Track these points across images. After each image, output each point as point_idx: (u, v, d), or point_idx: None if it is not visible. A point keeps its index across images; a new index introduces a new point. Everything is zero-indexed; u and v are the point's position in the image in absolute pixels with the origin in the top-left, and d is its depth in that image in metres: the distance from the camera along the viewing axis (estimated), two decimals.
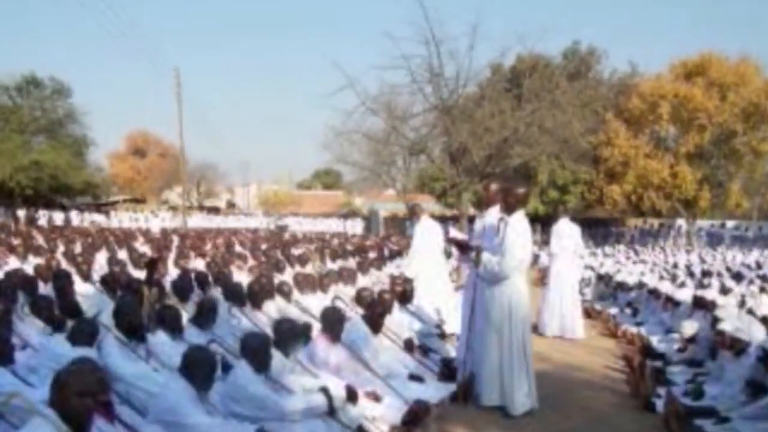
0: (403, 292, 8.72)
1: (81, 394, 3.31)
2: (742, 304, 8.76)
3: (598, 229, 40.59)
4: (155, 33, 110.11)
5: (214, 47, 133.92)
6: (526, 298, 6.36)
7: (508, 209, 6.23)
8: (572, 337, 10.43)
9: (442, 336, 8.28)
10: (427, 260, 10.40)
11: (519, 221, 6.24)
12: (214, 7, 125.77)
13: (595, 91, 30.95)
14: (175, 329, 5.77)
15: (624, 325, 10.67)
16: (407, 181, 48.64)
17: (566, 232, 11.18)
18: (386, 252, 18.80)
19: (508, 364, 6.17)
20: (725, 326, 6.45)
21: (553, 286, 10.94)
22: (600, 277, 15.00)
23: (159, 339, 5.58)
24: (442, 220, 47.77)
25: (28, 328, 6.12)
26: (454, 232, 7.18)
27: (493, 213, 6.51)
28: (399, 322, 7.91)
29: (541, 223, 36.39)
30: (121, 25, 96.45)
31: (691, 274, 14.58)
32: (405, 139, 18.71)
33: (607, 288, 14.03)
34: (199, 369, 4.33)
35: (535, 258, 22.86)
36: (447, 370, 6.83)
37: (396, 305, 8.17)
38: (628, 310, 11.64)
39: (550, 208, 36.60)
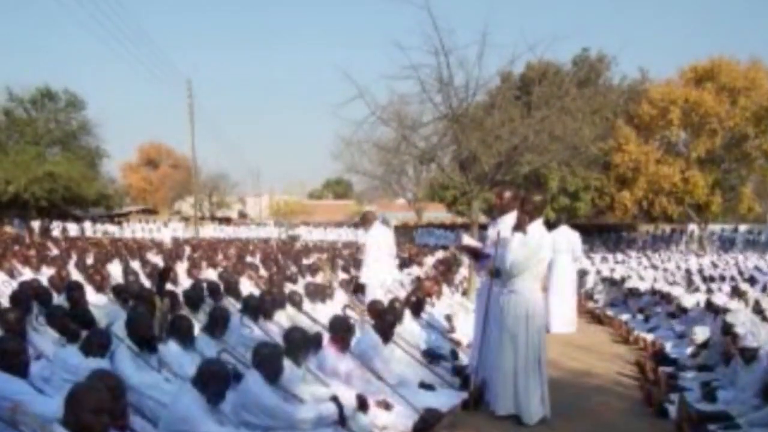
0: (416, 301, 8.73)
1: (96, 411, 3.25)
2: (757, 308, 8.69)
3: (609, 235, 40.37)
4: (168, 44, 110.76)
5: (227, 58, 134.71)
6: (542, 306, 6.36)
7: (526, 218, 6.22)
8: (557, 332, 10.94)
9: (454, 343, 8.27)
10: (380, 267, 10.32)
11: (538, 231, 6.24)
12: (227, 18, 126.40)
13: (605, 98, 30.81)
14: (186, 339, 5.79)
15: (636, 330, 10.61)
16: (418, 189, 48.76)
17: (561, 238, 11.63)
18: (397, 260, 18.77)
19: (522, 372, 6.13)
20: (737, 331, 6.41)
21: (550, 287, 11.41)
22: (612, 283, 14.92)
23: (171, 349, 5.59)
24: (453, 227, 47.47)
25: (43, 338, 6.15)
26: (467, 239, 7.15)
27: (508, 221, 6.48)
28: (410, 330, 7.91)
29: (551, 230, 36.25)
30: (134, 36, 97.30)
31: (703, 279, 14.49)
32: (415, 148, 18.63)
33: (619, 294, 13.95)
34: (212, 382, 4.36)
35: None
36: (459, 378, 6.82)
37: (407, 314, 8.18)
38: (640, 316, 11.58)
39: (561, 215, 36.47)
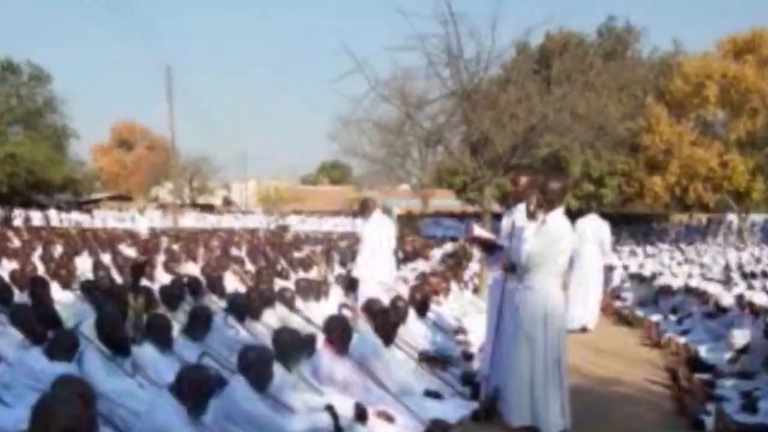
0: (421, 299, 8.72)
1: (67, 430, 3.15)
2: None
3: (638, 226, 40.36)
4: (143, 11, 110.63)
5: (210, 26, 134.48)
6: (562, 304, 6.33)
7: (545, 207, 6.19)
8: (578, 327, 11.08)
9: (465, 350, 8.27)
10: (377, 263, 10.27)
11: (559, 221, 6.21)
12: None
13: (633, 72, 30.73)
14: (164, 341, 5.79)
15: (668, 333, 10.59)
16: (423, 174, 48.67)
17: (588, 228, 11.70)
18: (400, 254, 18.79)
19: (540, 379, 6.11)
20: None
21: (574, 279, 11.51)
22: (641, 280, 14.91)
23: (146, 352, 5.59)
24: (463, 217, 47.50)
25: (3, 340, 6.13)
26: (479, 231, 7.12)
27: (524, 209, 6.44)
28: (415, 332, 7.91)
29: (574, 219, 36.23)
30: (106, 3, 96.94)
31: (743, 275, 14.48)
32: (420, 129, 18.63)
33: (649, 292, 13.94)
34: (192, 389, 4.35)
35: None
36: (469, 386, 6.82)
37: (412, 313, 8.18)
38: (672, 317, 11.56)
39: (584, 203, 36.45)
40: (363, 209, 10.44)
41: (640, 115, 33.96)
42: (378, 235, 10.18)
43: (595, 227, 12.01)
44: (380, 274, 10.05)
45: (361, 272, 10.07)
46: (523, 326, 6.18)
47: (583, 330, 11.58)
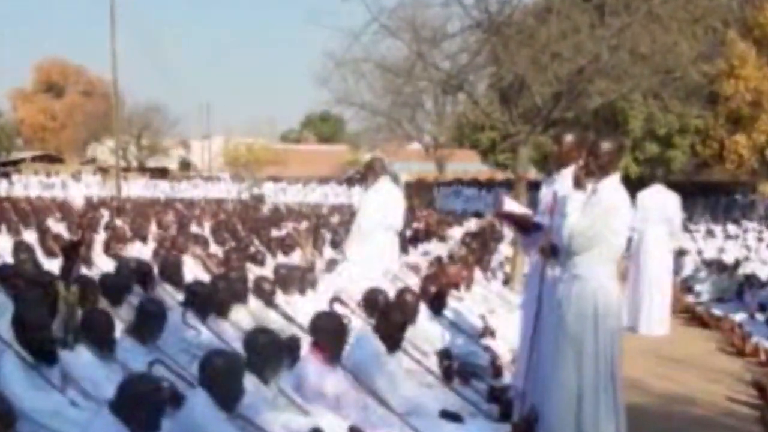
0: (436, 293, 8.70)
1: None
2: None
3: (717, 199, 40.27)
4: None
5: None
6: (617, 299, 6.30)
7: (597, 173, 6.14)
8: (647, 333, 11.24)
9: (493, 357, 8.28)
10: (376, 239, 10.39)
11: (613, 191, 6.16)
12: None
13: (711, 0, 30.45)
14: (104, 344, 5.78)
15: (755, 337, 10.61)
16: (439, 131, 48.58)
17: (652, 203, 11.92)
18: (409, 232, 18.77)
19: (590, 395, 6.11)
20: None
21: (635, 271, 11.89)
22: (721, 269, 14.91)
23: (81, 358, 5.58)
24: (490, 186, 47.62)
25: None
26: (510, 204, 7.09)
27: (568, 176, 6.41)
28: (427, 334, 7.90)
29: (635, 190, 36.14)
30: None
31: None
32: (436, 71, 18.52)
33: (731, 284, 13.94)
34: (140, 407, 4.33)
35: (628, 241, 22.64)
36: (498, 404, 6.82)
37: (423, 310, 8.16)
38: (761, 316, 11.57)
39: (647, 169, 36.38)
40: (367, 173, 10.43)
41: (719, 55, 33.72)
42: (382, 208, 10.17)
43: (661, 202, 12.07)
44: (379, 259, 10.05)
45: (353, 255, 10.07)
46: (568, 327, 6.16)
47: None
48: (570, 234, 6.09)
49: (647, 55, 18.45)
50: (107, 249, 12.58)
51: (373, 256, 10.14)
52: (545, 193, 6.81)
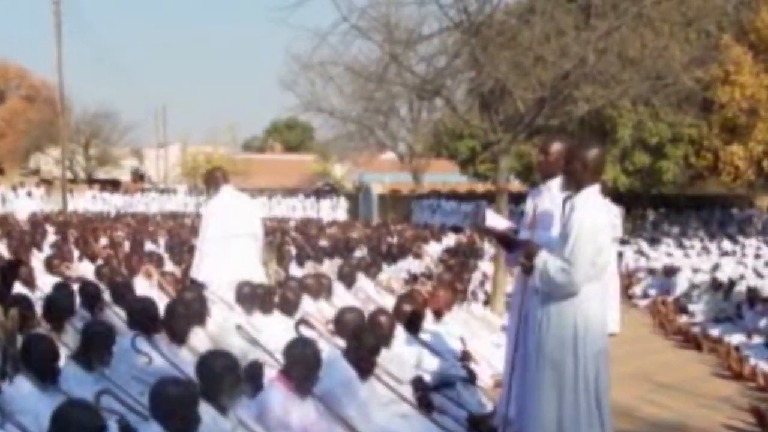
0: (412, 314, 8.67)
1: None
2: None
3: (711, 213, 40.55)
4: None
5: None
6: (602, 319, 6.26)
7: (574, 183, 6.11)
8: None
9: (470, 379, 8.26)
10: (222, 249, 10.44)
11: (588, 202, 6.12)
12: None
13: (705, 2, 30.64)
14: (46, 373, 5.71)
15: (753, 359, 10.65)
16: (415, 139, 48.72)
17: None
18: (383, 248, 18.74)
19: (571, 424, 6.08)
20: None
21: None
22: (716, 287, 14.96)
23: (19, 389, 5.52)
24: (470, 198, 47.55)
25: None
26: (492, 217, 7.06)
27: (554, 188, 6.44)
28: (402, 358, 7.86)
29: (626, 202, 36.34)
30: None
31: None
32: (411, 75, 18.55)
33: (727, 304, 13.99)
34: None
35: (617, 258, 22.79)
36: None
37: (400, 333, 8.13)
38: (759, 338, 11.61)
39: (637, 181, 36.57)
40: (208, 184, 10.94)
41: (714, 60, 33.96)
42: (223, 217, 10.49)
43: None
44: (229, 269, 10.09)
45: (202, 273, 10.27)
46: (546, 352, 6.13)
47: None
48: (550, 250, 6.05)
49: (637, 60, 18.55)
50: (51, 268, 12.52)
51: (222, 267, 10.22)
52: (529, 206, 6.80)
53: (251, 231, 10.76)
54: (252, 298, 9.17)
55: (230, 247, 10.40)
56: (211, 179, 10.90)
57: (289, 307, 9.25)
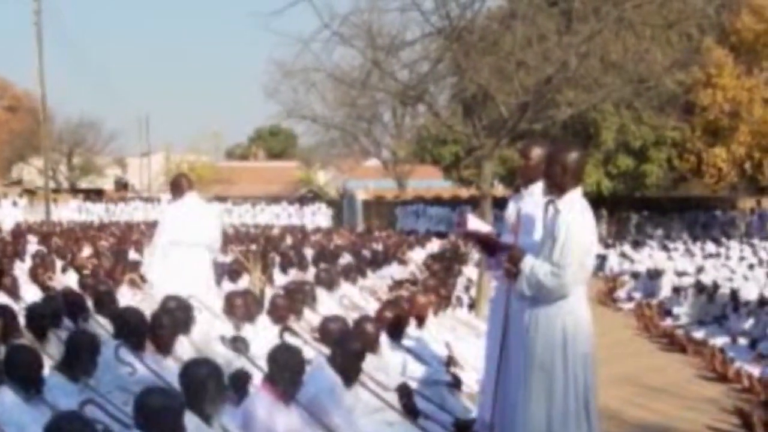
0: (396, 320, 8.66)
1: None
2: None
3: (695, 215, 40.60)
4: None
5: None
6: (587, 323, 6.28)
7: (555, 187, 6.13)
8: None
9: (456, 384, 8.26)
10: (177, 257, 10.48)
11: (574, 205, 6.14)
12: None
13: (686, 5, 30.71)
14: (30, 384, 5.67)
15: (737, 362, 10.67)
16: (398, 145, 48.65)
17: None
18: (367, 255, 18.70)
19: (560, 424, 6.08)
20: None
21: None
22: (700, 289, 14.99)
23: (3, 400, 5.48)
24: (454, 204, 47.55)
25: None
26: (476, 223, 7.07)
27: (536, 192, 6.45)
28: (388, 365, 7.85)
29: (609, 206, 36.42)
30: None
31: None
32: (394, 81, 18.57)
33: (712, 306, 14.02)
34: None
35: (601, 261, 22.80)
36: None
37: (384, 340, 8.12)
38: (743, 340, 11.64)
39: (621, 183, 36.65)
40: (173, 190, 10.94)
41: (695, 62, 34.07)
42: (179, 224, 10.52)
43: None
44: (180, 278, 10.07)
45: (153, 274, 10.45)
46: (535, 355, 6.13)
47: None
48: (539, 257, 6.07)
49: (619, 63, 18.61)
50: (34, 278, 12.45)
51: (173, 275, 10.22)
52: (512, 211, 6.80)
53: (206, 241, 10.80)
54: (237, 308, 9.15)
55: (181, 255, 10.44)
56: (175, 185, 10.94)
57: (276, 315, 9.24)
